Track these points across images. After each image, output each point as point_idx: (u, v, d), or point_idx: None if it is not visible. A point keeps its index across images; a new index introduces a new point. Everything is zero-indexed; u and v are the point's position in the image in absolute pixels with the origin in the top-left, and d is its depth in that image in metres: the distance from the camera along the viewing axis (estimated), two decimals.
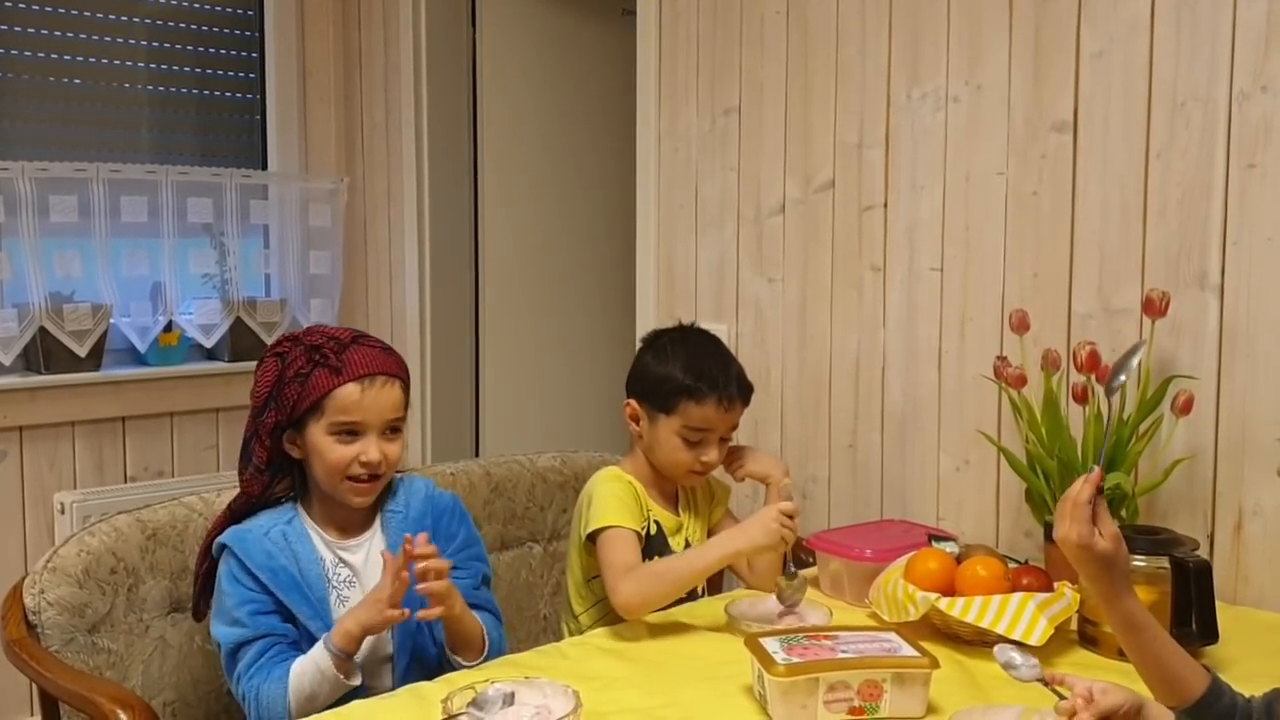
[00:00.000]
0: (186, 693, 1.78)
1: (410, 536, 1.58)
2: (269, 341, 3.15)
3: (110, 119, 3.11)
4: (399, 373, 1.71)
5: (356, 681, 1.59)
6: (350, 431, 1.65)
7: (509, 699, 1.36)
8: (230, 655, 1.62)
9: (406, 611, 1.55)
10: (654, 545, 1.92)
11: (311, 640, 1.61)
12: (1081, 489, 1.26)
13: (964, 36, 2.13)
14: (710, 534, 2.03)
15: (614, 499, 1.87)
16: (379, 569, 1.60)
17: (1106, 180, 1.95)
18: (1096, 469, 1.28)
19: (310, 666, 1.57)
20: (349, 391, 1.64)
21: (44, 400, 2.87)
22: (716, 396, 1.87)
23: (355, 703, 1.49)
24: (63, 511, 2.84)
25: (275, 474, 1.71)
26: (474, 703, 1.35)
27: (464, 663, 1.66)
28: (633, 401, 1.95)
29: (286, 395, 1.65)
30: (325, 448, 1.65)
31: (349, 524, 1.73)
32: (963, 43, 2.13)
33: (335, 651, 1.56)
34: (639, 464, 1.96)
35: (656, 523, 1.92)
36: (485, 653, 1.68)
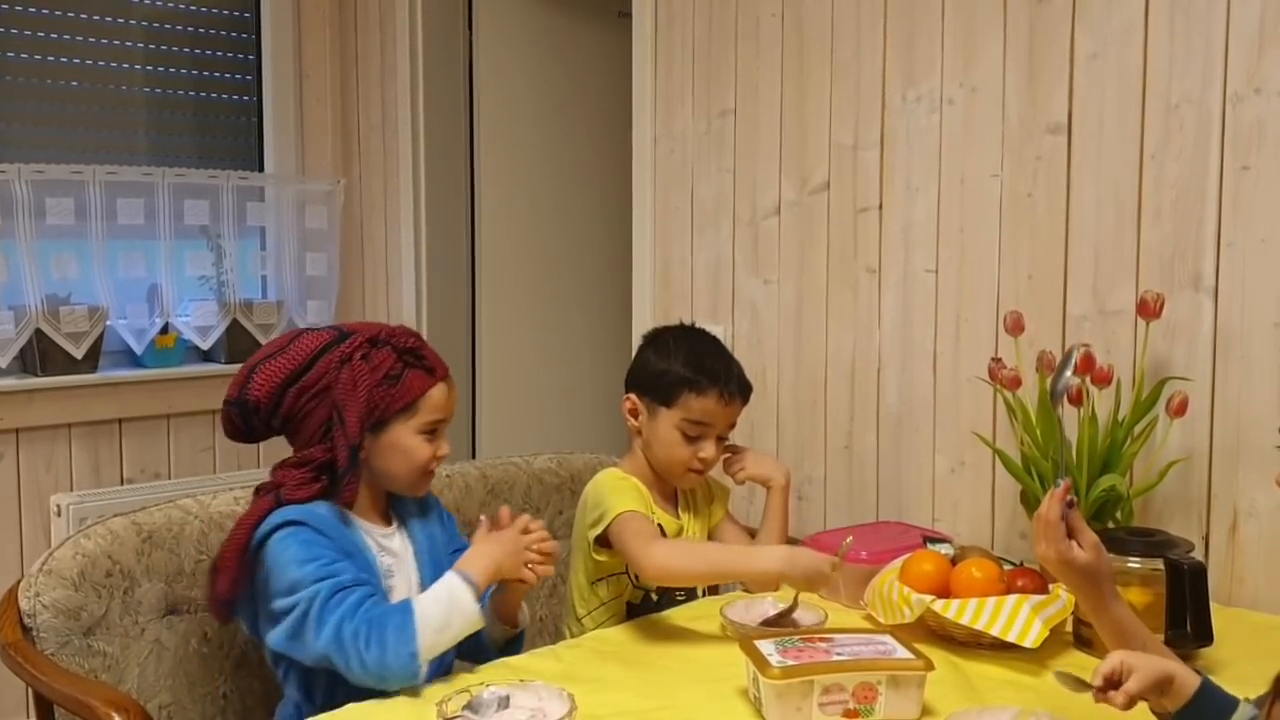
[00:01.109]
0: (182, 695, 1.78)
1: (505, 509, 1.69)
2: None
3: (107, 121, 3.11)
4: None
5: (483, 624, 1.60)
6: (433, 430, 1.70)
7: (504, 702, 1.36)
8: (323, 600, 1.53)
9: (549, 569, 1.64)
10: None
11: None
12: (1049, 506, 1.27)
13: (959, 38, 2.13)
14: (710, 536, 2.04)
15: (623, 492, 1.88)
16: (412, 556, 1.71)
17: (1101, 182, 1.96)
18: (1062, 482, 1.29)
19: (442, 596, 1.56)
20: (440, 391, 1.71)
21: (40, 402, 2.87)
22: (718, 390, 1.87)
23: (351, 706, 1.49)
24: (59, 514, 2.83)
25: (323, 475, 1.66)
26: (469, 705, 1.35)
27: (508, 631, 1.72)
28: (632, 396, 1.95)
29: (375, 397, 1.65)
30: (414, 446, 1.68)
31: (384, 514, 1.75)
32: (957, 45, 2.13)
33: (470, 584, 1.56)
34: (638, 465, 1.96)
35: (659, 525, 1.92)
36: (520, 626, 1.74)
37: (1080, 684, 1.21)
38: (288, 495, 1.63)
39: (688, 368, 1.89)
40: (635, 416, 1.94)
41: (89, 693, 1.55)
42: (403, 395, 1.67)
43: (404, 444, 1.68)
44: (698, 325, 2.05)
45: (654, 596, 1.92)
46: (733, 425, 1.94)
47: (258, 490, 1.69)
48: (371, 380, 1.65)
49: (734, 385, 1.90)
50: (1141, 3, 1.89)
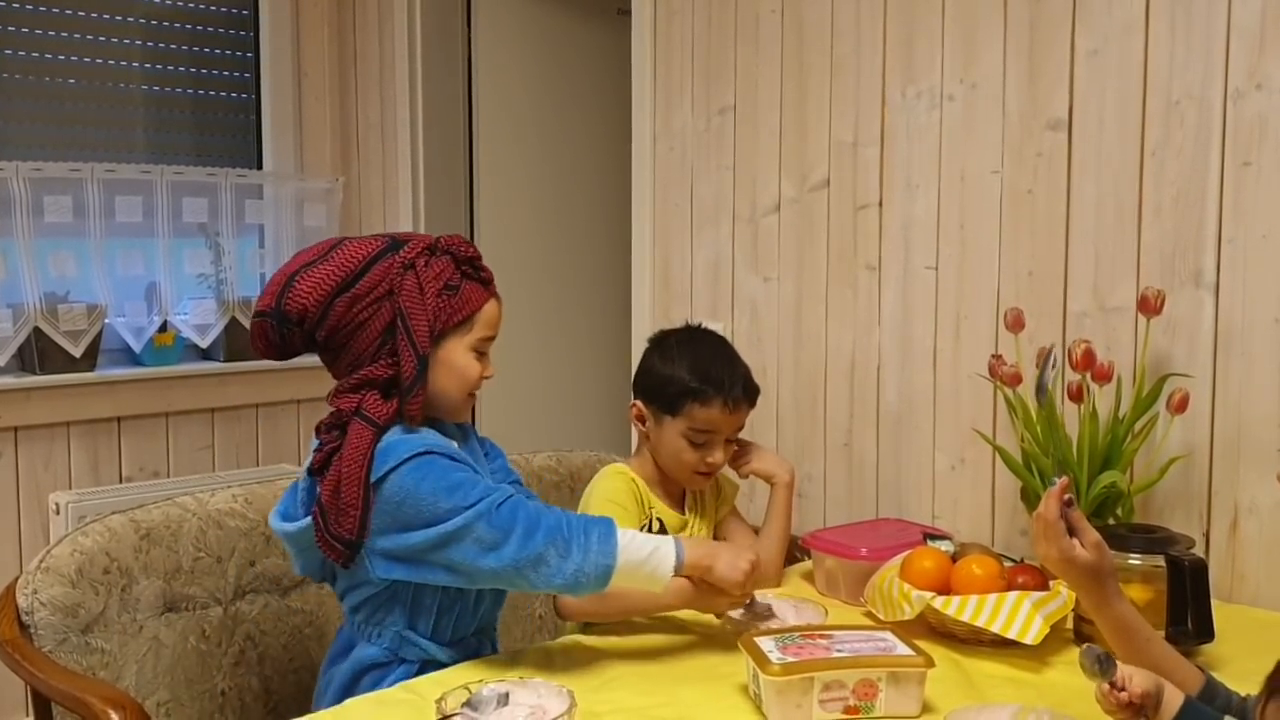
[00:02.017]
0: (180, 692, 1.78)
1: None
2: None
3: (105, 119, 3.10)
4: None
5: (662, 590, 1.56)
6: (483, 349, 1.61)
7: (503, 699, 1.35)
8: (496, 512, 1.48)
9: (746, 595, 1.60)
10: None
11: None
12: (1048, 505, 1.27)
13: (959, 35, 2.13)
14: (716, 532, 2.04)
15: (607, 499, 1.87)
16: None
17: (1101, 179, 1.95)
18: (1059, 481, 1.29)
19: (648, 541, 1.53)
20: (494, 308, 1.62)
21: (39, 400, 2.87)
22: (722, 399, 1.85)
23: (350, 701, 1.49)
24: (58, 512, 2.83)
25: (412, 386, 1.55)
26: (468, 703, 1.34)
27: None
28: (639, 403, 1.94)
29: (437, 307, 1.55)
30: (467, 364, 1.59)
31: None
32: (958, 41, 2.13)
33: (679, 562, 1.53)
34: (645, 463, 1.96)
35: (659, 520, 1.92)
36: None
37: (1103, 665, 1.16)
38: (386, 421, 1.52)
39: (692, 377, 1.86)
40: (642, 422, 1.94)
41: (86, 690, 1.55)
42: (462, 307, 1.57)
43: (458, 361, 1.58)
44: (704, 325, 2.04)
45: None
46: (740, 428, 1.94)
47: (329, 427, 1.56)
48: (436, 287, 1.55)
49: (739, 391, 1.88)
50: None
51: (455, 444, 1.64)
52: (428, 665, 1.59)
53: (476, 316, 1.59)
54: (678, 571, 1.54)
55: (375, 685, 1.57)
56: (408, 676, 1.55)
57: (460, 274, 1.58)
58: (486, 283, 1.61)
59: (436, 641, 1.61)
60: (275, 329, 1.56)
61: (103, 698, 1.52)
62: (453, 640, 1.63)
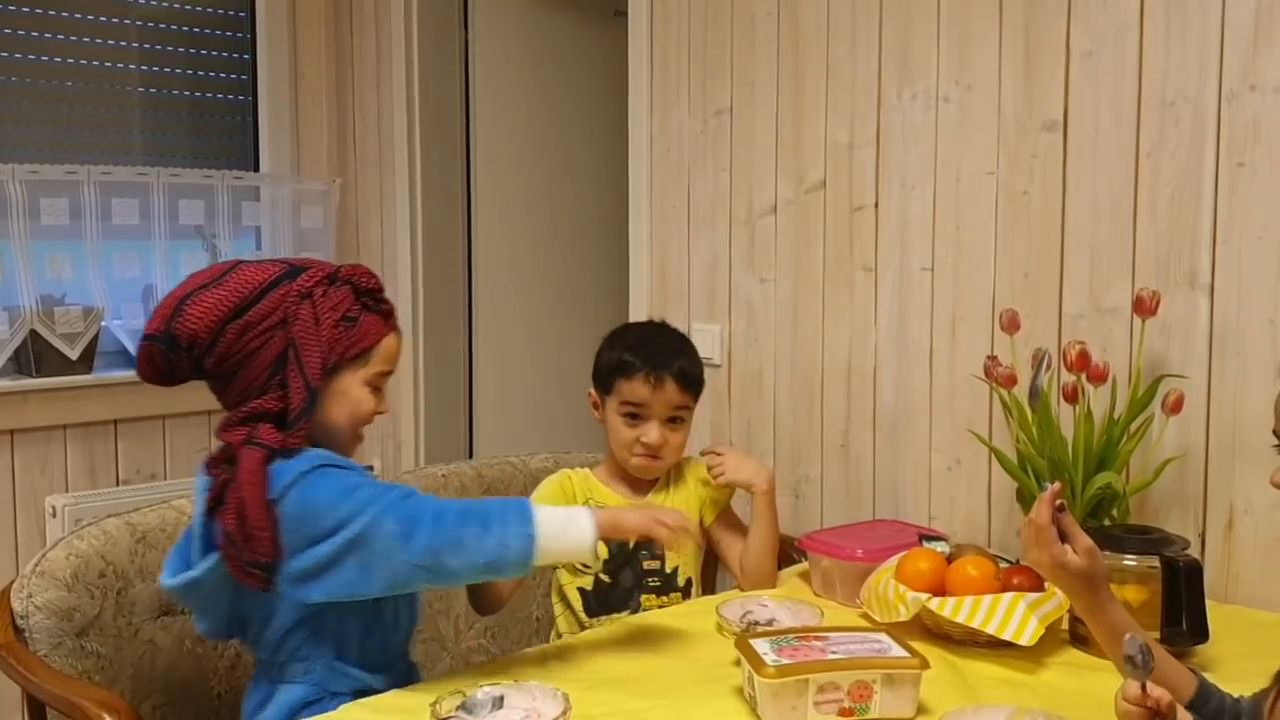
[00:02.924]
0: (176, 695, 1.78)
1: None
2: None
3: (101, 121, 3.10)
4: None
5: (591, 558, 1.57)
6: (379, 385, 1.59)
7: (498, 702, 1.35)
8: (399, 508, 1.45)
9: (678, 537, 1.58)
10: None
11: None
12: (1040, 511, 1.27)
13: (954, 36, 2.13)
14: (707, 536, 2.04)
15: (548, 487, 1.95)
16: None
17: (1097, 179, 1.95)
18: (1050, 486, 1.29)
19: (560, 512, 1.54)
20: (393, 342, 1.59)
21: (35, 403, 2.87)
22: (645, 373, 1.89)
23: (345, 706, 1.49)
24: (54, 515, 2.83)
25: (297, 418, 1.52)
26: (463, 706, 1.34)
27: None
28: (591, 390, 2.00)
29: (334, 339, 1.51)
30: (361, 397, 1.56)
31: None
32: (953, 42, 2.13)
33: (595, 525, 1.51)
34: (609, 457, 2.01)
35: (603, 506, 1.91)
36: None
37: (1144, 660, 1.11)
38: (277, 444, 1.48)
39: (624, 353, 1.93)
40: (597, 410, 1.99)
41: (80, 694, 1.55)
42: (359, 340, 1.54)
43: (352, 394, 1.54)
44: (664, 321, 2.10)
45: (604, 578, 1.93)
46: (679, 409, 1.92)
47: (218, 462, 1.53)
48: (332, 318, 1.51)
49: (665, 369, 1.89)
50: (1137, 0, 1.89)
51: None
52: (361, 695, 1.51)
53: (374, 350, 1.56)
54: (599, 530, 1.52)
55: None
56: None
57: (360, 305, 1.55)
58: (387, 315, 1.58)
59: (367, 668, 1.56)
60: (163, 354, 1.51)
61: (96, 702, 1.52)
62: (385, 664, 1.60)
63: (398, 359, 1.61)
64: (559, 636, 1.96)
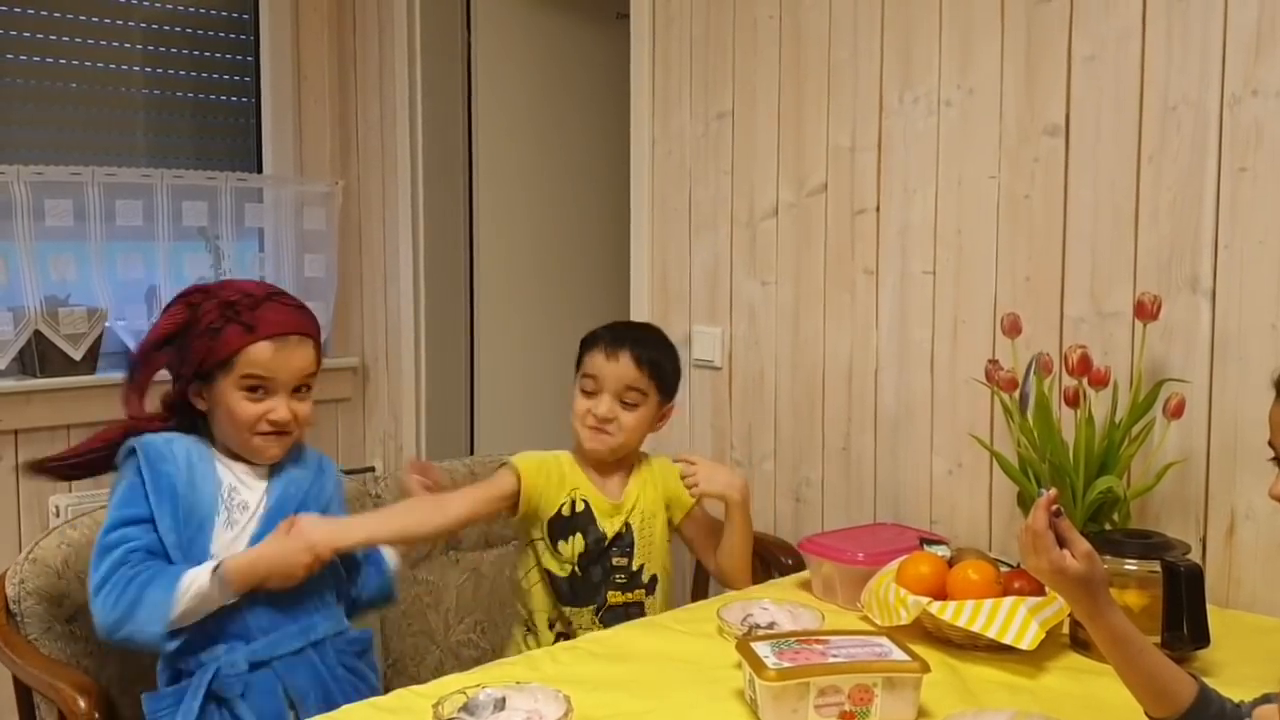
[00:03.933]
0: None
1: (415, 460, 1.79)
2: None
3: (105, 122, 3.11)
4: (312, 332, 1.74)
5: (221, 604, 1.63)
6: (259, 388, 1.68)
7: (500, 704, 1.36)
8: (98, 558, 1.61)
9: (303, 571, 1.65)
10: (577, 523, 1.96)
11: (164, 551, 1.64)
12: (1036, 517, 1.27)
13: (956, 40, 2.13)
14: (681, 531, 2.07)
15: (533, 454, 1.99)
16: (276, 504, 1.71)
17: (1098, 184, 1.95)
18: (1047, 492, 1.29)
19: (200, 579, 1.60)
20: (261, 349, 1.67)
21: (39, 403, 2.87)
22: (604, 344, 1.96)
23: (346, 707, 1.49)
24: (58, 514, 2.83)
25: (171, 419, 1.74)
26: (465, 708, 1.35)
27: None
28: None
29: (195, 348, 1.67)
30: (234, 403, 1.67)
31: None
32: (955, 47, 2.13)
33: (226, 588, 1.60)
34: (575, 441, 2.04)
35: (585, 500, 1.97)
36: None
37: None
38: (143, 425, 1.72)
39: (596, 330, 2.02)
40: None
41: (57, 676, 1.63)
42: (219, 349, 1.66)
43: (225, 400, 1.68)
44: (649, 323, 2.18)
45: (577, 571, 1.95)
46: (633, 389, 1.96)
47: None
48: (177, 322, 1.68)
49: (624, 343, 1.96)
50: (1139, 5, 1.89)
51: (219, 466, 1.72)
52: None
53: (236, 359, 1.67)
54: (233, 586, 1.61)
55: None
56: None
57: (224, 318, 1.67)
58: (249, 326, 1.67)
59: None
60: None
61: (71, 684, 1.60)
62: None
63: (278, 366, 1.68)
64: (528, 617, 1.99)
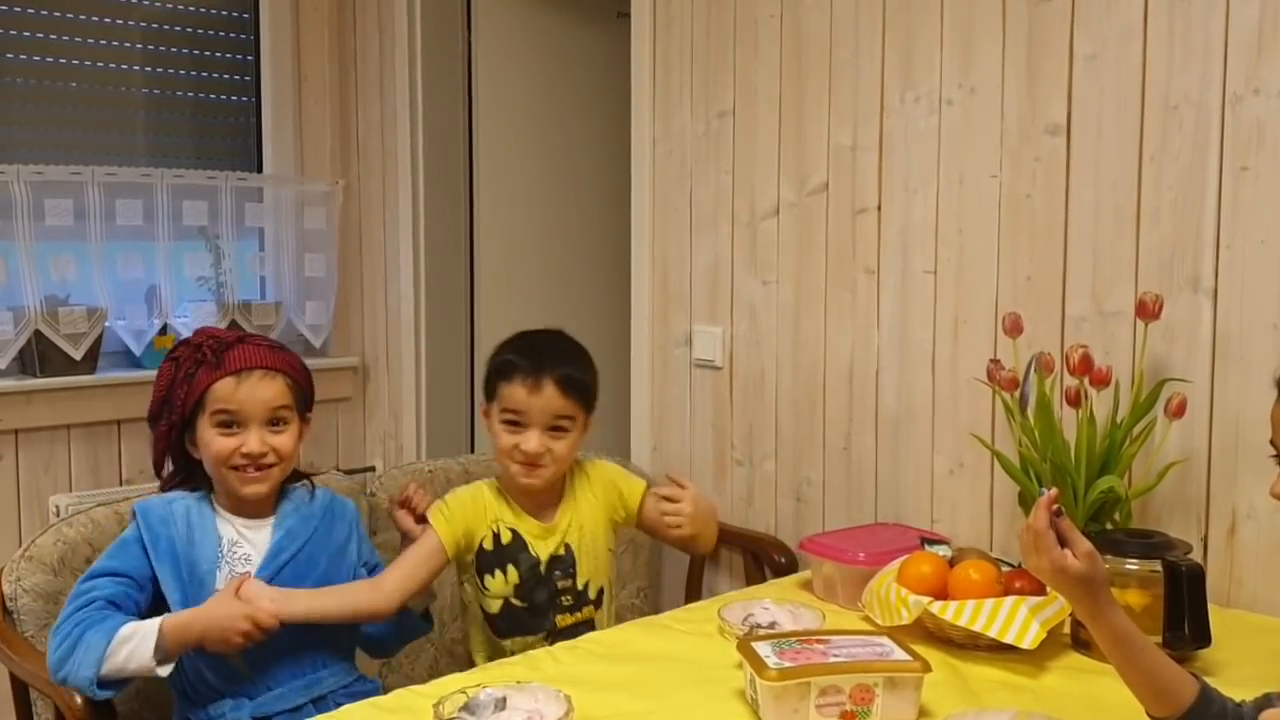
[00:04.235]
0: (158, 680, 1.79)
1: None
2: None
3: (106, 122, 3.11)
4: (280, 367, 1.77)
5: (165, 673, 1.62)
6: (230, 423, 1.72)
7: (500, 704, 1.36)
8: (74, 596, 1.64)
9: (241, 640, 1.64)
10: (507, 554, 1.86)
11: (167, 607, 1.67)
12: (1037, 516, 1.26)
13: (957, 39, 2.13)
14: (640, 521, 1.98)
15: (451, 501, 1.86)
16: (274, 551, 1.74)
17: (1100, 183, 1.95)
18: (1047, 492, 1.28)
19: (135, 637, 1.60)
20: (226, 384, 1.72)
21: (39, 403, 2.87)
22: (523, 375, 1.81)
23: (348, 706, 1.49)
24: (58, 514, 2.83)
25: (179, 475, 1.81)
26: (465, 707, 1.35)
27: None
28: (484, 401, 1.92)
29: (177, 397, 1.74)
30: (209, 439, 1.73)
31: (252, 510, 1.79)
32: (956, 46, 2.13)
33: (162, 644, 1.60)
34: (503, 470, 1.90)
35: (511, 530, 1.87)
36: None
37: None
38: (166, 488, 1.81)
39: (507, 355, 1.86)
40: (486, 418, 1.91)
41: None
42: (193, 392, 1.73)
43: (203, 438, 1.73)
44: (562, 330, 1.98)
45: (517, 602, 1.87)
46: (561, 417, 1.83)
47: None
48: (164, 382, 1.76)
49: (545, 373, 1.80)
50: (1141, 4, 1.89)
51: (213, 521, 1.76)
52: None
53: (206, 396, 1.72)
54: (170, 651, 1.61)
55: None
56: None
57: (195, 362, 1.74)
58: (215, 365, 1.73)
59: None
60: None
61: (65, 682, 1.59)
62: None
63: (241, 400, 1.72)
64: (471, 656, 1.93)
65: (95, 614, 1.61)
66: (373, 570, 1.86)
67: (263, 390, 1.73)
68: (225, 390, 1.71)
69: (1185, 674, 1.23)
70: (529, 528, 1.89)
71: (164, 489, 1.81)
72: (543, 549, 1.88)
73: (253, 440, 1.71)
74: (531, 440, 1.81)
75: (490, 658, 1.86)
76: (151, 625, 1.61)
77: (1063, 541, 1.26)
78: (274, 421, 1.74)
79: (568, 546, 1.90)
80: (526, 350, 1.87)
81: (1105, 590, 1.26)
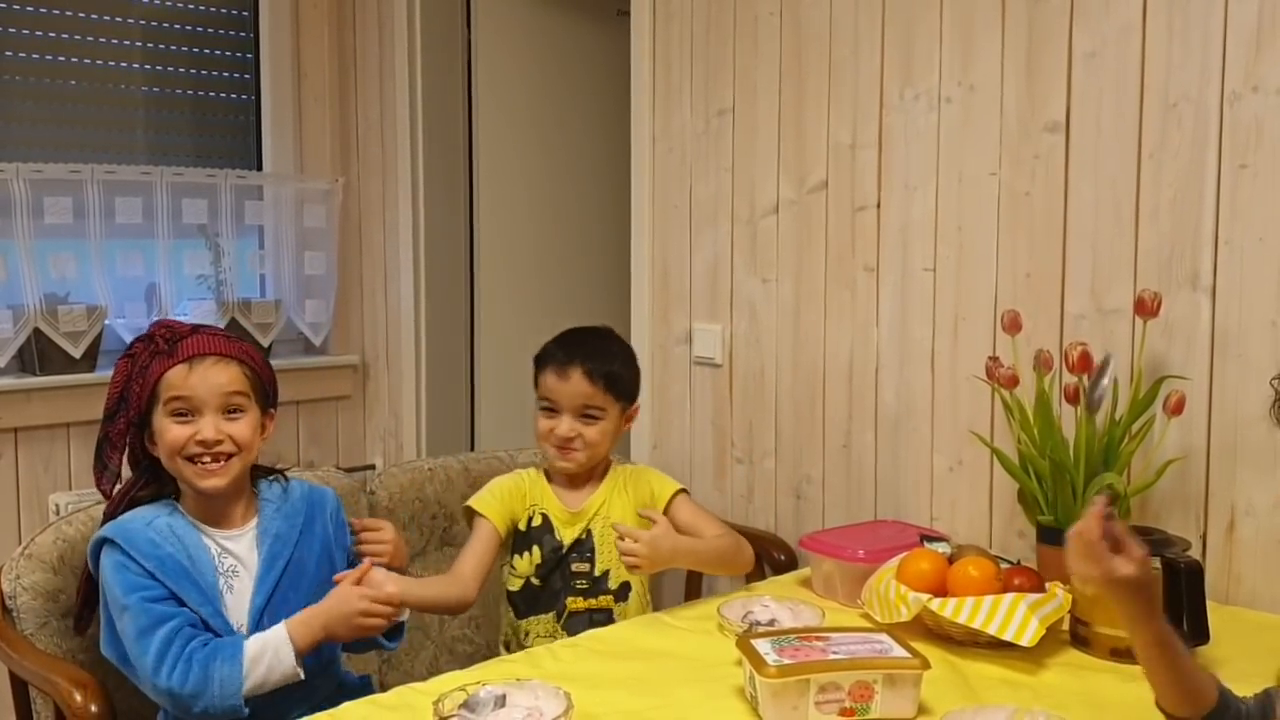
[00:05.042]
0: None
1: (355, 521, 1.86)
2: (264, 343, 3.17)
3: (105, 120, 3.11)
4: (234, 354, 1.72)
5: (301, 676, 1.61)
6: (184, 411, 1.67)
7: (500, 701, 1.36)
8: (142, 643, 1.58)
9: (382, 622, 1.65)
10: (533, 535, 1.96)
11: (205, 626, 1.63)
12: (1090, 525, 1.22)
13: (957, 37, 2.13)
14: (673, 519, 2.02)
15: (494, 486, 1.98)
16: (257, 554, 1.70)
17: (1099, 181, 1.95)
18: (1100, 499, 1.23)
19: (269, 651, 1.59)
20: (177, 371, 1.67)
21: (39, 402, 2.87)
22: (555, 365, 1.94)
23: (346, 705, 1.49)
24: (58, 513, 2.83)
25: (142, 477, 1.74)
26: (465, 704, 1.35)
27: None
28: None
29: (133, 392, 1.69)
30: (164, 429, 1.67)
31: (226, 515, 1.73)
32: (955, 43, 2.13)
33: (297, 649, 1.60)
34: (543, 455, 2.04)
35: (544, 514, 1.97)
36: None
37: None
38: (101, 491, 1.75)
39: (547, 347, 1.99)
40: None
41: (54, 671, 1.64)
42: (147, 384, 1.68)
43: (158, 429, 1.68)
44: (610, 328, 2.08)
45: (535, 581, 1.96)
46: (591, 405, 1.93)
47: None
48: (120, 378, 1.70)
49: (576, 362, 1.93)
50: (1139, 1, 1.89)
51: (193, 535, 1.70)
52: None
53: (159, 386, 1.68)
54: (302, 651, 1.62)
55: None
56: None
57: (149, 353, 1.70)
58: (167, 354, 1.69)
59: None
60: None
61: (68, 679, 1.60)
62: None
63: (187, 384, 1.67)
64: (506, 638, 2.00)
65: (198, 646, 1.58)
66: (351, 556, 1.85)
67: (215, 375, 1.67)
68: (178, 377, 1.66)
69: (1211, 677, 1.22)
70: (558, 512, 1.98)
71: (120, 498, 1.73)
72: (567, 534, 1.97)
73: (208, 428, 1.65)
74: (563, 424, 1.94)
75: (509, 643, 1.97)
76: (280, 636, 1.60)
77: (1116, 547, 1.22)
78: (230, 410, 1.68)
79: (589, 532, 1.98)
80: (565, 342, 1.99)
81: (1155, 594, 1.23)
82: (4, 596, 1.73)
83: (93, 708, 1.56)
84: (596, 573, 1.96)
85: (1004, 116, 2.07)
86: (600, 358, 1.96)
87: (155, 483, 1.73)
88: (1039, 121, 2.02)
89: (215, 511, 1.72)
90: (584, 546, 1.97)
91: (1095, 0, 1.94)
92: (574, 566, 1.96)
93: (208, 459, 1.66)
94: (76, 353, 2.88)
